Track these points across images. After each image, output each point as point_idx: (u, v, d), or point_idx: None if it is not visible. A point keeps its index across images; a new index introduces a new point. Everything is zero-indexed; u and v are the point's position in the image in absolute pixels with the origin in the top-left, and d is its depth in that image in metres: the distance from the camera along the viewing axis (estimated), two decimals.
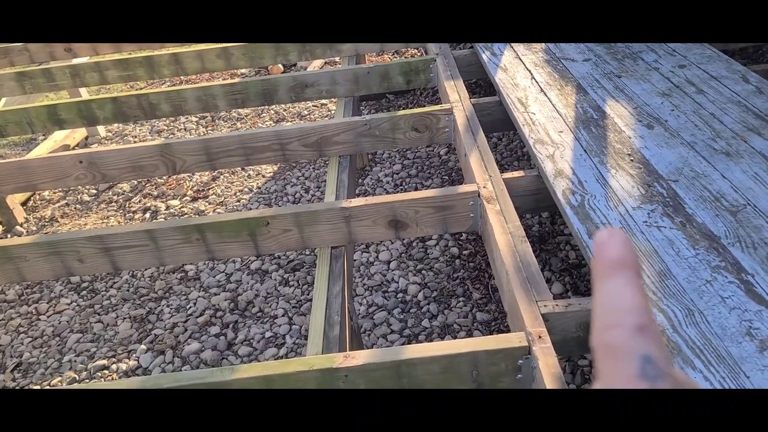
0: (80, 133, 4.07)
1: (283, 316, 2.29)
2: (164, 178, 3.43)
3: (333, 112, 3.98)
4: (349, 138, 2.16)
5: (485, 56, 2.53)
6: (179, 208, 3.14)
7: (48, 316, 2.51)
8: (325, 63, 4.68)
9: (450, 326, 2.09)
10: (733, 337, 1.08)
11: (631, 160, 1.66)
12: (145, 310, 2.44)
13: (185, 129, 4.07)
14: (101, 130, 4.18)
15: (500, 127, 2.26)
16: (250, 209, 3.00)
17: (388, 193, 2.95)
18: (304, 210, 1.70)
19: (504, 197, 1.62)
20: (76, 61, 3.41)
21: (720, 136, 1.72)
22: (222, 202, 3.15)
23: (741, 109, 1.84)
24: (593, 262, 0.27)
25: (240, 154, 2.17)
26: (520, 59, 2.46)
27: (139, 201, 3.28)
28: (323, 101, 4.13)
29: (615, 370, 0.24)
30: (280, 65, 4.61)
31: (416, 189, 2.91)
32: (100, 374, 2.16)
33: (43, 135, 4.19)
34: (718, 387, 1.00)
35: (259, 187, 3.23)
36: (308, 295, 2.38)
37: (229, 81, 2.60)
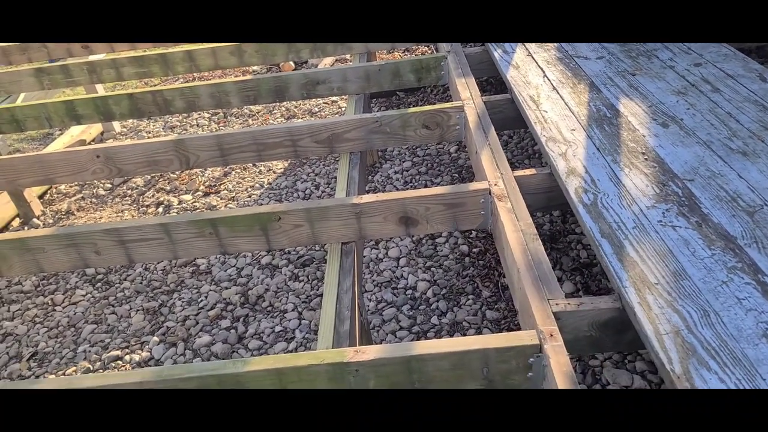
0: (96, 128, 4.12)
1: (292, 310, 2.30)
2: (177, 173, 3.46)
3: (343, 109, 3.99)
4: (360, 135, 2.16)
5: (497, 54, 2.52)
6: (191, 203, 3.17)
7: (63, 307, 2.55)
8: (336, 60, 4.69)
9: (459, 324, 2.10)
10: (750, 339, 1.07)
11: (645, 158, 1.65)
12: (158, 302, 2.47)
13: (197, 125, 4.11)
14: (116, 125, 4.23)
15: (511, 124, 2.25)
16: (261, 204, 3.02)
17: (397, 190, 2.95)
18: (315, 206, 1.71)
19: (515, 195, 1.62)
20: (92, 57, 3.45)
21: (736, 135, 1.70)
22: (233, 197, 3.17)
23: (758, 108, 1.82)
24: None
25: (252, 150, 2.19)
26: (532, 57, 2.44)
27: (153, 195, 3.32)
28: (334, 98, 4.14)
29: None
30: (291, 62, 4.63)
31: (426, 186, 2.91)
32: (113, 365, 2.19)
33: (60, 130, 4.25)
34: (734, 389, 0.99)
35: (270, 183, 3.25)
36: (317, 290, 2.39)
37: (242, 78, 2.62)
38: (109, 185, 3.50)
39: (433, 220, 1.72)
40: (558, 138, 1.81)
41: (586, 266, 2.20)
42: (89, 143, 3.98)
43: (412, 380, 1.21)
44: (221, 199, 3.17)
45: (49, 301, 2.59)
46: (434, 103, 3.29)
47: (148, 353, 2.22)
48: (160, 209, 3.17)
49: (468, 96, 2.19)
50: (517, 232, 1.47)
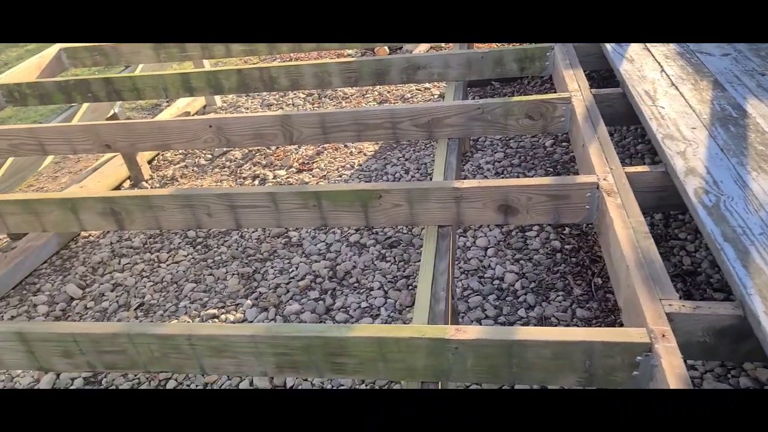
0: (199, 102, 4.39)
1: (379, 288, 2.36)
2: (272, 148, 3.62)
3: (436, 97, 3.99)
4: (460, 121, 2.16)
5: (610, 46, 2.41)
6: (285, 178, 3.31)
7: (167, 265, 2.76)
8: (431, 48, 4.68)
9: (547, 319, 2.06)
10: None
11: None
12: (252, 269, 2.62)
13: (293, 104, 4.26)
14: (218, 100, 4.48)
15: (620, 120, 2.16)
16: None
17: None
18: (417, 187, 1.73)
19: (626, 191, 1.56)
20: None
21: None
22: (324, 176, 3.28)
23: None
24: None
25: (352, 130, 2.25)
26: (649, 50, 2.32)
27: (249, 168, 3.50)
28: (426, 85, 4.14)
29: None
30: (386, 47, 4.68)
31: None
32: (210, 322, 2.35)
33: (167, 101, 4.57)
34: None
35: (360, 165, 3.33)
36: (404, 271, 2.43)
37: (346, 59, 2.69)
38: (210, 156, 3.73)
39: (534, 210, 1.70)
40: (676, 136, 1.72)
41: (689, 274, 2.08)
42: (193, 115, 4.25)
43: (511, 365, 1.21)
44: (313, 176, 3.29)
45: (155, 258, 2.82)
46: (530, 94, 3.21)
47: (242, 315, 2.36)
48: (256, 182, 3.34)
49: (576, 88, 2.12)
50: (627, 228, 1.42)
